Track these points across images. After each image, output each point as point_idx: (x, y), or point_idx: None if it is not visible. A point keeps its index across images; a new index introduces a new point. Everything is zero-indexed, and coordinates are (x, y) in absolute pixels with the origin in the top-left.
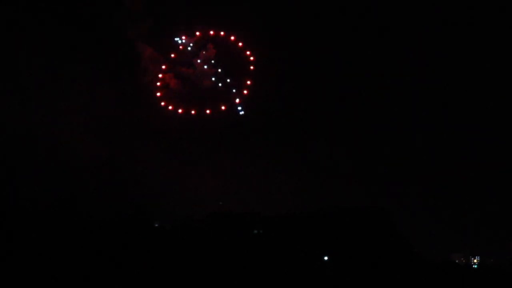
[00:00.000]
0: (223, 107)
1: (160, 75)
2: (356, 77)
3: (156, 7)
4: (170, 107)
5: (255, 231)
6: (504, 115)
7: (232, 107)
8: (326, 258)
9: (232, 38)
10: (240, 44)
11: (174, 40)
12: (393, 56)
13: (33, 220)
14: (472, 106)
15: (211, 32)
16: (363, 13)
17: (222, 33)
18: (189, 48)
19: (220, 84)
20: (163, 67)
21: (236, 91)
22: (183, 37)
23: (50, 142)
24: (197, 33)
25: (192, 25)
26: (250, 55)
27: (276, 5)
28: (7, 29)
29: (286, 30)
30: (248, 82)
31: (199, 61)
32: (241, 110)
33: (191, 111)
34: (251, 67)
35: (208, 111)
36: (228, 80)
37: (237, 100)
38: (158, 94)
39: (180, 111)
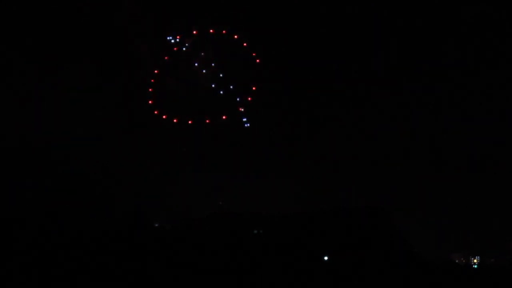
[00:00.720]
0: (224, 117)
1: (151, 80)
2: (358, 77)
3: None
4: (164, 117)
5: (255, 231)
6: (504, 115)
7: (235, 117)
8: (326, 258)
9: (235, 37)
10: (245, 44)
11: (167, 39)
12: (401, 58)
13: (32, 222)
14: (472, 106)
15: (211, 31)
16: (381, 15)
17: (223, 31)
18: (184, 49)
19: (221, 92)
20: (155, 71)
21: (240, 99)
22: (177, 36)
23: (48, 143)
24: (194, 32)
25: (189, 22)
26: (256, 57)
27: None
28: (5, 29)
29: (297, 28)
30: (254, 88)
31: (196, 64)
32: (246, 123)
33: (187, 121)
34: (257, 71)
35: (207, 121)
36: (231, 87)
37: (241, 109)
38: (150, 102)
39: (175, 120)
